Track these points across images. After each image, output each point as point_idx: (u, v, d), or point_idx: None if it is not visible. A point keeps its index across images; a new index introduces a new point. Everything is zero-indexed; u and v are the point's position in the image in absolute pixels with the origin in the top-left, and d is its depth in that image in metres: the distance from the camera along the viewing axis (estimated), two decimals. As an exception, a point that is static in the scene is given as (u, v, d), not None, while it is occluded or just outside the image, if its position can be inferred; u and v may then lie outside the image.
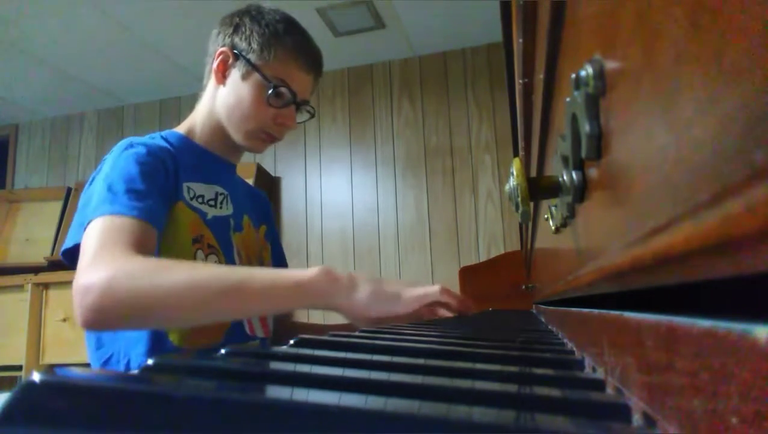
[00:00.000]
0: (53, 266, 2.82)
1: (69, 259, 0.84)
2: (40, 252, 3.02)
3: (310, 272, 0.74)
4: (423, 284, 0.81)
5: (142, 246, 0.76)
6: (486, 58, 3.01)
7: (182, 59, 3.05)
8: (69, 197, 3.23)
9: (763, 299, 0.11)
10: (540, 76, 0.45)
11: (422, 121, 3.06)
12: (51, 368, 0.15)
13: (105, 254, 0.71)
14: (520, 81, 0.62)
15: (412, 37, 2.93)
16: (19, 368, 2.71)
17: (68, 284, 2.73)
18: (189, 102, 3.55)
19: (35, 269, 2.83)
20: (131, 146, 0.90)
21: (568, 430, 0.15)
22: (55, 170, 3.68)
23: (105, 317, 0.68)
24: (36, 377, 0.14)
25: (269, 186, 3.13)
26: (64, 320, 2.72)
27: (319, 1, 2.53)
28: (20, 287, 2.80)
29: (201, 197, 0.97)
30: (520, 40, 0.53)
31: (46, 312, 2.76)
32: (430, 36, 2.92)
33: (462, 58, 3.06)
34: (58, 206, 3.24)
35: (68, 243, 0.84)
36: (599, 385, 0.23)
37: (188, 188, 0.95)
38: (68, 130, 3.71)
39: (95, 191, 0.84)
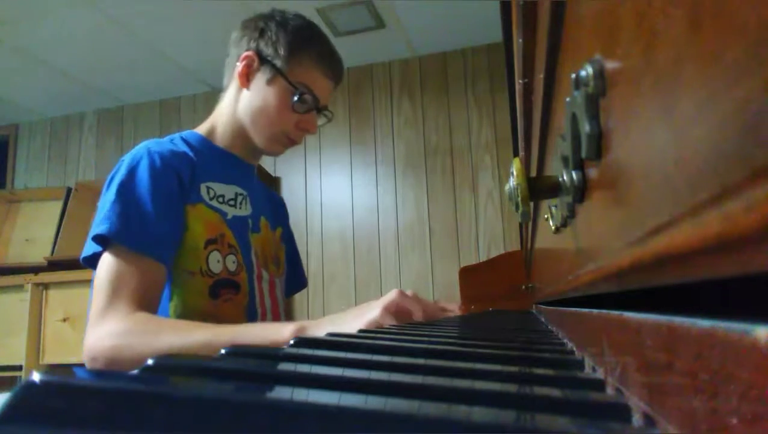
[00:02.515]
0: (53, 266, 2.82)
1: (89, 264, 0.90)
2: (40, 252, 3.02)
3: (286, 331, 0.79)
4: (373, 305, 0.79)
5: (148, 291, 0.84)
6: (486, 58, 3.01)
7: (182, 59, 3.05)
8: (69, 197, 3.23)
9: (763, 299, 0.11)
10: (540, 76, 0.45)
11: (422, 121, 3.06)
12: (51, 368, 0.15)
13: (109, 317, 0.81)
14: (520, 81, 0.62)
15: (412, 37, 2.93)
16: (19, 368, 2.71)
17: (68, 284, 2.73)
18: (189, 102, 3.56)
19: (35, 269, 2.83)
20: (148, 153, 0.92)
21: (568, 430, 0.15)
22: (55, 170, 3.68)
23: None
24: (36, 377, 0.14)
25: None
26: (64, 320, 2.72)
27: (319, 1, 2.53)
28: (20, 287, 2.80)
29: (221, 196, 0.99)
30: (520, 40, 0.53)
31: (46, 312, 2.76)
32: (430, 36, 2.92)
33: (462, 58, 3.06)
34: (58, 206, 3.24)
35: (86, 252, 0.89)
36: (599, 385, 0.23)
37: (208, 189, 0.97)
38: (68, 130, 3.71)
39: (108, 198, 0.88)
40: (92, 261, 0.88)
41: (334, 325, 0.79)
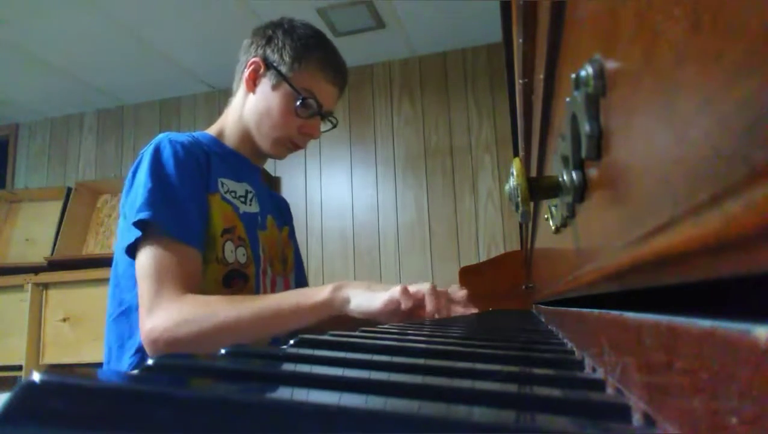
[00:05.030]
0: (53, 266, 2.82)
1: (130, 253, 0.91)
2: (40, 252, 3.02)
3: (325, 291, 0.87)
4: (396, 286, 0.85)
5: (192, 277, 0.88)
6: (486, 58, 3.01)
7: (182, 59, 3.05)
8: (69, 197, 3.23)
9: (763, 299, 0.11)
10: (540, 76, 0.45)
11: (422, 121, 3.06)
12: (51, 368, 0.15)
13: (162, 301, 0.84)
14: (520, 81, 0.62)
15: (412, 37, 2.93)
16: (19, 368, 2.71)
17: (68, 284, 2.73)
18: (189, 102, 3.56)
19: (35, 269, 2.83)
20: (170, 142, 0.95)
21: (568, 430, 0.15)
22: (55, 170, 3.68)
23: None
24: (36, 377, 0.14)
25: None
26: (64, 320, 2.72)
27: (319, 1, 2.53)
28: (20, 287, 2.79)
29: (233, 192, 1.03)
30: (520, 40, 0.53)
31: (46, 312, 2.76)
32: (430, 36, 2.91)
33: (462, 58, 3.06)
34: (58, 206, 3.24)
35: (127, 240, 0.90)
36: (599, 385, 0.23)
37: (222, 183, 1.01)
38: (68, 130, 3.71)
39: (141, 185, 0.90)
40: (131, 249, 0.90)
41: (365, 290, 0.87)
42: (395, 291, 0.84)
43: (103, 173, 3.53)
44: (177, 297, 0.84)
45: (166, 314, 0.83)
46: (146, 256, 0.87)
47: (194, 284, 0.88)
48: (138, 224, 0.87)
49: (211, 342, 0.81)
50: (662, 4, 0.14)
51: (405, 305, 0.83)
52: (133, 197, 0.90)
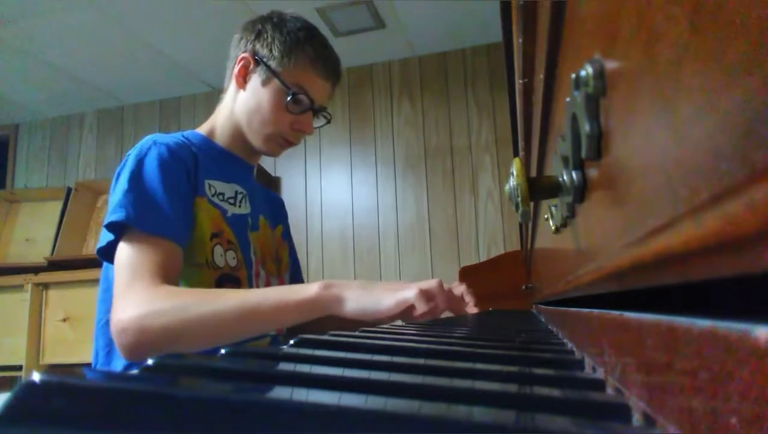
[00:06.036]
0: (53, 266, 2.82)
1: (104, 256, 0.89)
2: (40, 252, 3.02)
3: (312, 288, 0.81)
4: (409, 285, 0.81)
5: (168, 270, 0.84)
6: (486, 58, 3.01)
7: (182, 59, 3.05)
8: (69, 197, 3.23)
9: (763, 299, 0.11)
10: (540, 76, 0.45)
11: (422, 121, 3.06)
12: (51, 368, 0.15)
13: (135, 290, 0.80)
14: (520, 81, 0.62)
15: (412, 37, 2.93)
16: (19, 368, 2.71)
17: (68, 284, 2.73)
18: (189, 102, 3.56)
19: (35, 269, 2.83)
20: (155, 144, 0.93)
21: (568, 430, 0.15)
22: (55, 170, 3.68)
23: (142, 353, 0.78)
24: (36, 377, 0.14)
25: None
26: (64, 320, 2.72)
27: (319, 1, 2.53)
28: (20, 287, 2.80)
29: (221, 194, 1.00)
30: (520, 40, 0.53)
31: (46, 312, 2.76)
32: (430, 36, 2.92)
33: (462, 58, 3.06)
34: (58, 206, 3.24)
35: (101, 243, 0.88)
36: (599, 385, 0.23)
37: (209, 186, 0.98)
38: (68, 130, 3.71)
39: (120, 188, 0.88)
40: (107, 253, 0.87)
41: (363, 290, 0.81)
42: (409, 294, 0.79)
43: (103, 173, 3.53)
44: (149, 288, 0.80)
45: (135, 304, 0.78)
46: (121, 253, 0.84)
47: (172, 276, 0.85)
48: (111, 227, 0.85)
49: (180, 336, 0.77)
50: (662, 4, 0.14)
51: (420, 309, 0.78)
52: (111, 200, 0.88)
